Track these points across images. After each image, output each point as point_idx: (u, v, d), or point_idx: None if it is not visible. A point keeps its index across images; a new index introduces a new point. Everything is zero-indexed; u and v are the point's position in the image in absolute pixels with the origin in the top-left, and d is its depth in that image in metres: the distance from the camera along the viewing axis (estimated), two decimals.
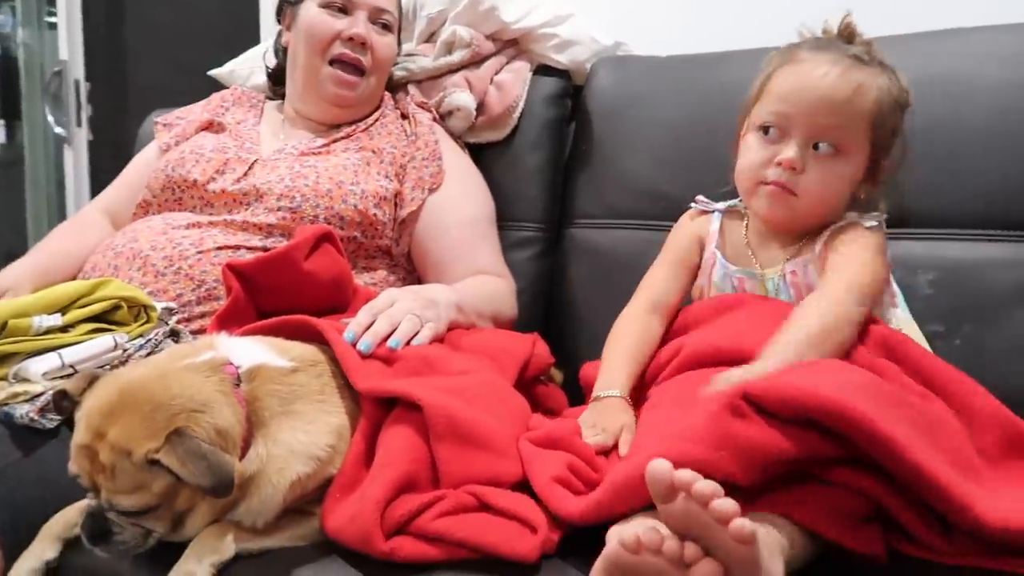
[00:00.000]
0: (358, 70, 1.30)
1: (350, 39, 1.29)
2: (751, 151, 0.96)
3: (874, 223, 0.95)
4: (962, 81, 1.10)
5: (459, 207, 1.29)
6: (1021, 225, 1.06)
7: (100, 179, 2.62)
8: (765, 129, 0.94)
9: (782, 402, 0.69)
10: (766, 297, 0.97)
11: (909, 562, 0.71)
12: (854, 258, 0.92)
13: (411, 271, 1.32)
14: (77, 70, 2.65)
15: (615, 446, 0.86)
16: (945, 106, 1.10)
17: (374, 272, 1.26)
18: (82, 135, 2.67)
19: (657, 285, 1.04)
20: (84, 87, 2.65)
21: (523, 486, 0.80)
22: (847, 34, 0.95)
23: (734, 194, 1.03)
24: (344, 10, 1.31)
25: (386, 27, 1.33)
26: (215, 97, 1.47)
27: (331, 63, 1.30)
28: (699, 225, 1.06)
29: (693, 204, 1.08)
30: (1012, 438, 0.78)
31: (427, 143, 1.31)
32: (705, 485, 0.61)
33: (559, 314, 1.37)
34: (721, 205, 1.06)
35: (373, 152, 1.29)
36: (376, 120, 1.36)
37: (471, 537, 0.73)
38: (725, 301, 0.97)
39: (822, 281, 0.92)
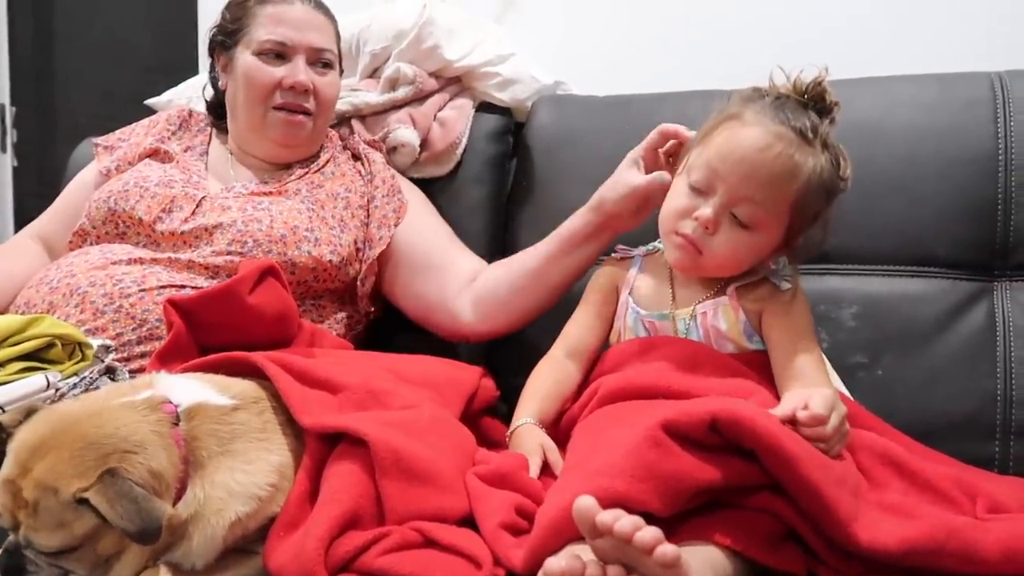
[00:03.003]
0: (304, 112, 1.28)
1: (291, 87, 1.25)
2: (677, 197, 0.97)
3: (788, 284, 0.97)
4: (876, 126, 1.18)
5: (425, 221, 1.31)
6: (933, 262, 1.14)
7: (25, 206, 2.54)
8: (694, 180, 0.95)
9: (697, 423, 0.74)
10: (681, 339, 1.00)
11: None
12: (811, 345, 0.95)
13: (360, 310, 1.31)
14: (2, 94, 2.57)
15: (547, 467, 0.91)
16: (861, 149, 1.16)
17: (322, 310, 1.26)
18: (7, 161, 2.58)
19: (573, 332, 1.08)
20: (10, 112, 2.57)
21: (469, 521, 0.81)
22: (815, 94, 0.94)
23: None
24: (281, 56, 1.26)
25: (326, 65, 1.30)
26: (160, 119, 1.41)
27: (275, 108, 1.27)
28: (617, 272, 1.09)
29: (613, 252, 1.11)
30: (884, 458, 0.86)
31: (384, 180, 1.32)
32: (624, 524, 0.64)
33: (502, 347, 1.38)
34: (641, 250, 1.09)
35: (327, 196, 1.28)
36: (327, 161, 1.34)
37: (416, 573, 0.73)
38: (643, 343, 1.01)
39: (792, 358, 0.93)
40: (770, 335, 0.97)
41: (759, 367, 0.96)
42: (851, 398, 0.98)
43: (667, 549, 0.63)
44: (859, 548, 0.71)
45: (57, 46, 2.63)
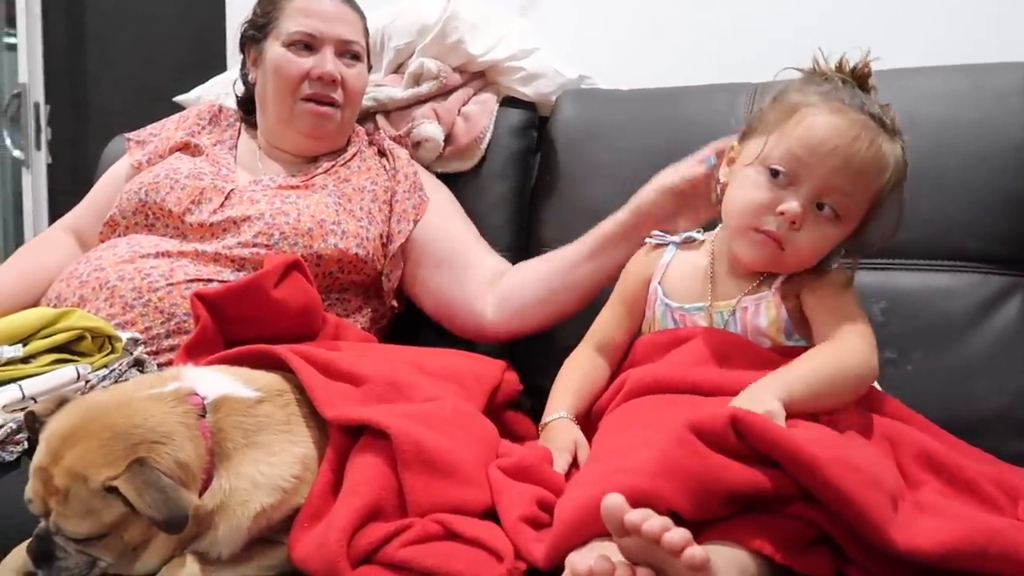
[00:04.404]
0: (332, 104, 1.29)
1: (319, 78, 1.27)
2: (753, 189, 0.91)
3: (834, 264, 0.95)
4: (905, 118, 1.14)
5: (449, 219, 1.31)
6: (963, 255, 1.12)
7: (59, 203, 2.58)
8: (775, 172, 0.90)
9: (721, 426, 0.72)
10: (712, 330, 0.97)
11: None
12: (854, 310, 0.92)
13: (385, 305, 1.32)
14: (37, 93, 2.61)
15: (576, 464, 0.90)
16: None
17: (347, 303, 1.26)
18: (41, 158, 2.62)
19: (601, 327, 1.07)
20: (44, 110, 2.62)
21: (491, 513, 0.81)
22: (862, 75, 0.92)
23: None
24: (310, 47, 1.28)
25: (355, 57, 1.32)
26: (191, 114, 1.43)
27: (303, 100, 1.28)
28: (649, 261, 1.05)
29: (648, 239, 1.08)
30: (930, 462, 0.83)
31: (407, 175, 1.32)
32: (653, 524, 0.63)
33: (526, 341, 1.38)
34: (677, 238, 1.06)
35: (354, 190, 1.29)
36: (353, 155, 1.35)
37: (437, 566, 0.73)
38: (672, 335, 0.98)
39: (830, 330, 0.90)
40: (807, 306, 0.93)
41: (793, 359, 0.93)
42: (883, 391, 0.96)
43: (696, 551, 0.62)
44: (897, 552, 0.69)
45: (89, 46, 2.67)
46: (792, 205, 0.88)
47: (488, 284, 1.23)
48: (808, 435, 0.73)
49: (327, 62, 1.27)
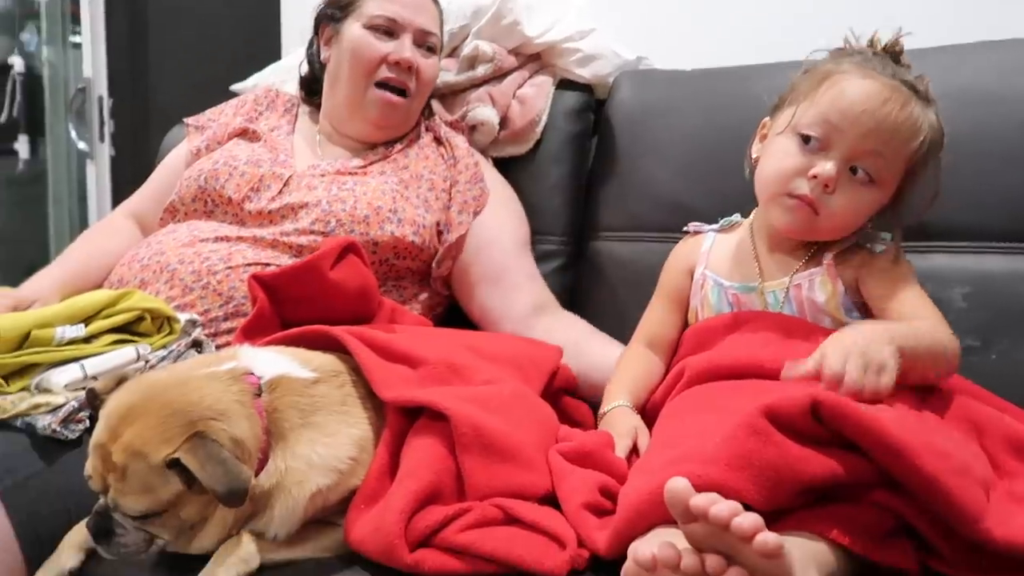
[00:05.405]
0: (403, 92, 1.29)
1: (396, 63, 1.27)
2: (785, 156, 0.90)
3: (883, 246, 0.92)
4: (989, 94, 1.09)
5: (502, 227, 1.29)
6: None
7: (121, 193, 2.64)
8: (806, 138, 0.89)
9: (799, 409, 0.68)
10: (769, 312, 0.94)
11: None
12: (919, 291, 0.90)
13: (439, 293, 1.30)
14: (100, 87, 2.68)
15: (636, 451, 0.87)
16: (971, 119, 1.08)
17: (403, 291, 1.25)
18: (104, 150, 2.70)
19: (651, 324, 1.05)
20: (107, 103, 2.68)
21: (550, 499, 0.78)
22: (895, 51, 0.91)
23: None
24: (390, 32, 1.28)
25: (431, 49, 1.31)
26: (248, 99, 1.44)
27: (376, 85, 1.28)
28: (690, 250, 1.04)
29: (685, 229, 1.06)
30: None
31: (467, 166, 1.31)
32: (721, 508, 0.59)
33: None
34: (715, 226, 1.04)
35: (412, 176, 1.28)
36: (412, 142, 1.34)
37: (497, 551, 0.71)
38: (727, 319, 0.95)
39: (902, 308, 0.88)
40: (870, 293, 0.91)
41: None
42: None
43: (768, 537, 0.58)
44: (994, 545, 0.64)
45: (151, 42, 2.73)
46: (826, 167, 0.87)
47: (530, 311, 1.23)
48: (893, 417, 0.69)
49: (405, 49, 1.27)
